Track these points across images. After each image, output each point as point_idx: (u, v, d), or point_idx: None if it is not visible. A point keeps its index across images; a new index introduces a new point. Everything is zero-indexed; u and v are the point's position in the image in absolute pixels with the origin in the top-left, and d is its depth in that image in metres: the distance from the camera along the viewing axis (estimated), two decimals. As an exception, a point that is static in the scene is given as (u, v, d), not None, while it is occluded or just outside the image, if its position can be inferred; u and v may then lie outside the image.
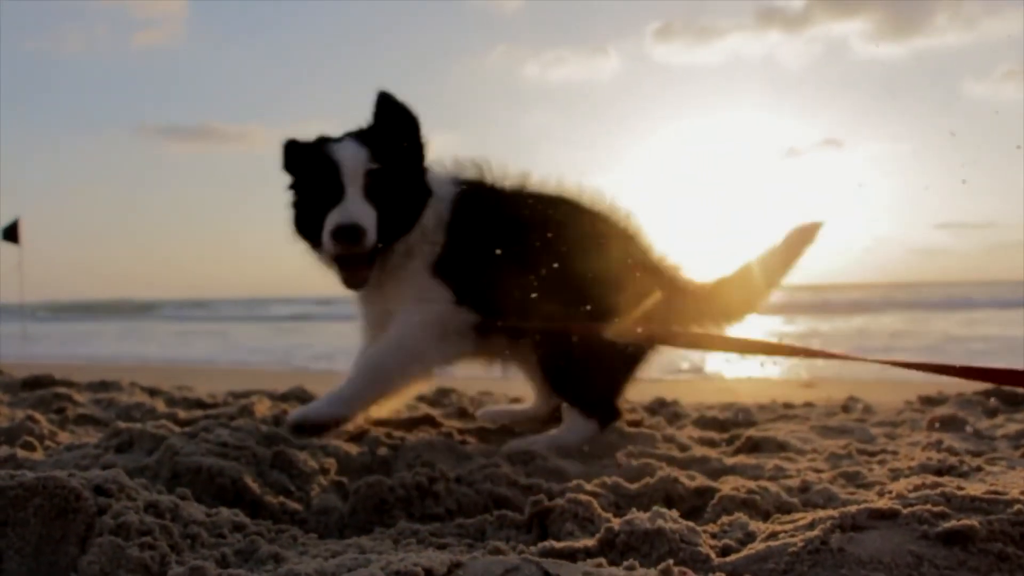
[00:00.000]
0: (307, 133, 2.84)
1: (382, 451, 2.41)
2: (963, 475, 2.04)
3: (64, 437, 2.70)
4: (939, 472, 2.08)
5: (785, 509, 1.84)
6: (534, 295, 2.65)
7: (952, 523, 1.37)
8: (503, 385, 5.13)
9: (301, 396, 3.71)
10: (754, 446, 2.61)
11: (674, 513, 1.53)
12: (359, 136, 2.72)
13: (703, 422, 3.32)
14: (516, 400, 3.75)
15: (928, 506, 1.44)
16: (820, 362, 8.11)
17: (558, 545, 1.47)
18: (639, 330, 2.56)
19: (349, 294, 2.84)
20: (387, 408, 2.90)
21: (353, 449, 2.39)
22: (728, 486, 1.97)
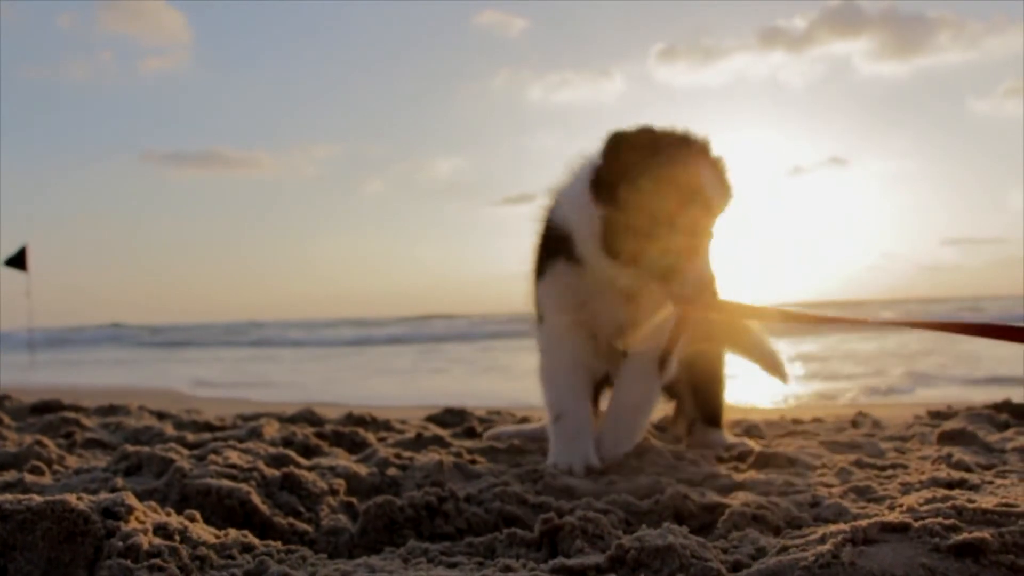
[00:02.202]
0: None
1: (391, 471, 2.40)
2: (974, 488, 2.03)
3: (72, 461, 2.71)
4: (950, 486, 2.07)
5: (796, 524, 1.83)
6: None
7: (964, 536, 1.36)
8: (510, 405, 5.13)
9: (310, 418, 3.71)
10: (764, 462, 2.60)
11: (684, 529, 1.52)
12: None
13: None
14: (524, 420, 3.74)
15: (939, 519, 1.44)
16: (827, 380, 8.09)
17: (569, 562, 1.46)
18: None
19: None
20: None
21: (362, 470, 2.39)
22: (738, 502, 1.96)
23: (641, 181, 2.42)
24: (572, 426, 2.62)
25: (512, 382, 9.44)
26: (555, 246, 2.64)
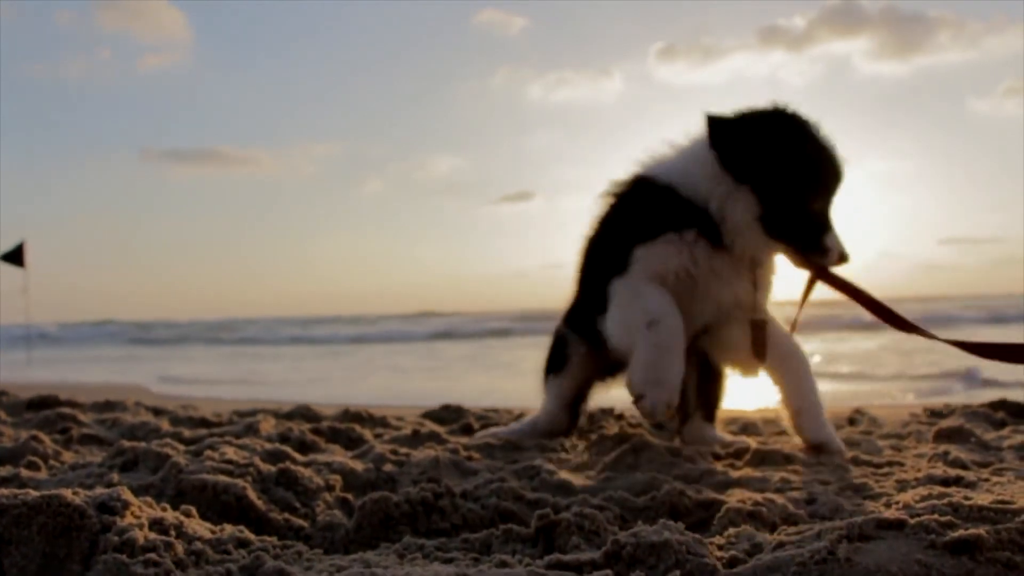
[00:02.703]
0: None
1: (387, 468, 2.40)
2: (970, 486, 2.03)
3: (68, 457, 2.70)
4: (946, 483, 2.07)
5: (792, 521, 1.83)
6: None
7: (959, 532, 1.36)
8: (507, 402, 5.13)
9: (306, 415, 3.71)
10: (760, 459, 2.60)
11: (680, 525, 1.52)
12: None
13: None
14: (520, 417, 3.73)
15: (935, 516, 1.44)
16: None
17: (564, 558, 1.46)
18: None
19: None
20: None
21: (359, 466, 2.39)
22: (734, 498, 1.96)
23: (795, 157, 2.56)
24: (666, 337, 2.54)
25: (510, 380, 9.45)
26: (678, 217, 2.63)
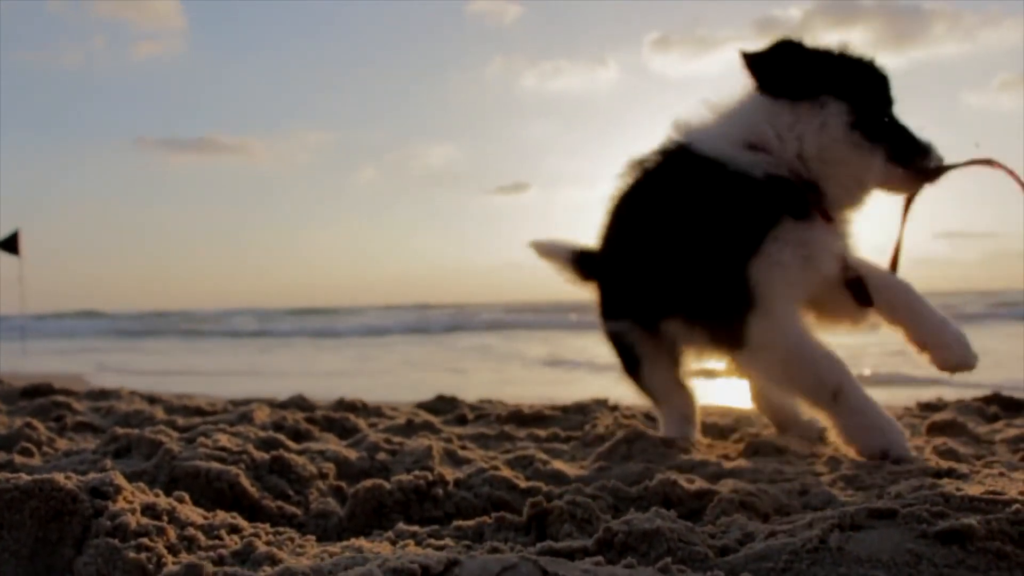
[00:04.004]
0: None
1: (381, 456, 2.40)
2: (962, 477, 2.04)
3: (62, 444, 2.70)
4: (938, 475, 2.07)
5: (784, 511, 1.83)
6: None
7: (950, 522, 1.36)
8: (503, 393, 5.13)
9: (301, 404, 3.71)
10: (754, 450, 2.60)
11: (672, 514, 1.53)
12: None
13: (702, 427, 3.31)
14: (517, 407, 3.73)
15: (927, 506, 1.44)
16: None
17: (556, 545, 1.46)
18: None
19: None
20: None
21: (352, 454, 2.39)
22: (727, 489, 1.96)
23: (853, 60, 2.44)
24: (856, 399, 2.30)
25: (505, 371, 9.46)
26: (773, 205, 2.34)
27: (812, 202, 2.39)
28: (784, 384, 2.42)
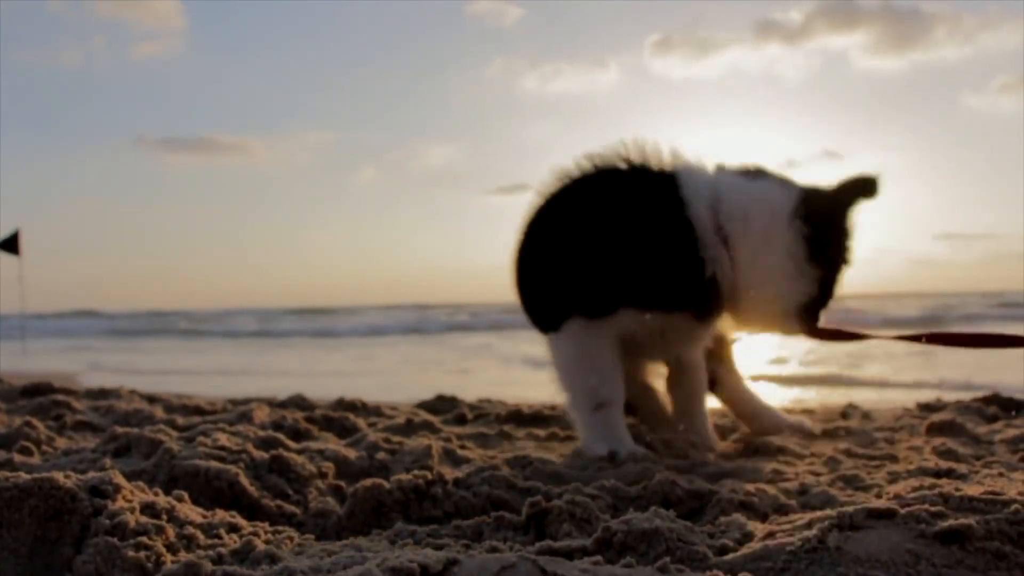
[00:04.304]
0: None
1: (380, 455, 2.40)
2: (961, 478, 2.04)
3: (62, 443, 2.70)
4: (937, 475, 2.08)
5: (783, 511, 1.83)
6: None
7: (950, 522, 1.36)
8: (503, 393, 5.13)
9: (300, 404, 3.71)
10: (753, 450, 2.60)
11: (671, 513, 1.53)
12: None
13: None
14: (516, 408, 3.73)
15: (926, 506, 1.44)
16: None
17: (555, 545, 1.47)
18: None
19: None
20: None
21: (351, 453, 2.39)
22: (726, 488, 1.96)
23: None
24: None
25: (505, 372, 9.45)
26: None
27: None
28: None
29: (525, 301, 2.70)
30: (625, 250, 2.41)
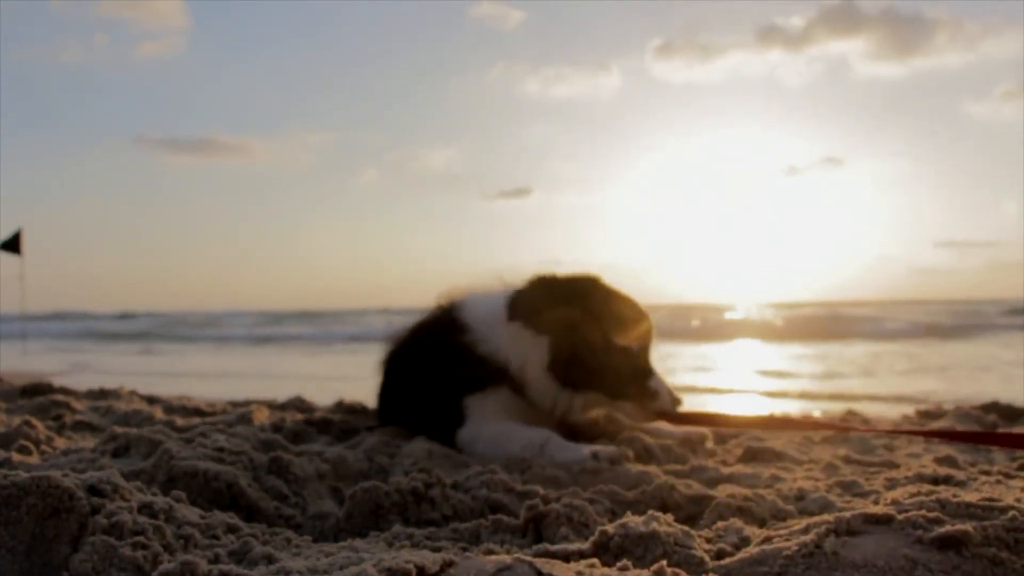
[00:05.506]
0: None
1: (379, 458, 2.40)
2: (959, 484, 2.04)
3: (61, 443, 2.70)
4: (935, 481, 2.08)
5: (781, 516, 1.83)
6: None
7: (947, 528, 1.36)
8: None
9: (300, 406, 3.71)
10: (751, 456, 2.60)
11: (669, 518, 1.53)
12: None
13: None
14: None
15: (923, 512, 1.44)
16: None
17: (552, 548, 1.47)
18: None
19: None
20: None
21: (350, 456, 2.39)
22: (724, 493, 1.96)
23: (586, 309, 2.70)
24: (565, 443, 2.56)
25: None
26: (487, 374, 2.74)
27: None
28: (499, 451, 2.62)
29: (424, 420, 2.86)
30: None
